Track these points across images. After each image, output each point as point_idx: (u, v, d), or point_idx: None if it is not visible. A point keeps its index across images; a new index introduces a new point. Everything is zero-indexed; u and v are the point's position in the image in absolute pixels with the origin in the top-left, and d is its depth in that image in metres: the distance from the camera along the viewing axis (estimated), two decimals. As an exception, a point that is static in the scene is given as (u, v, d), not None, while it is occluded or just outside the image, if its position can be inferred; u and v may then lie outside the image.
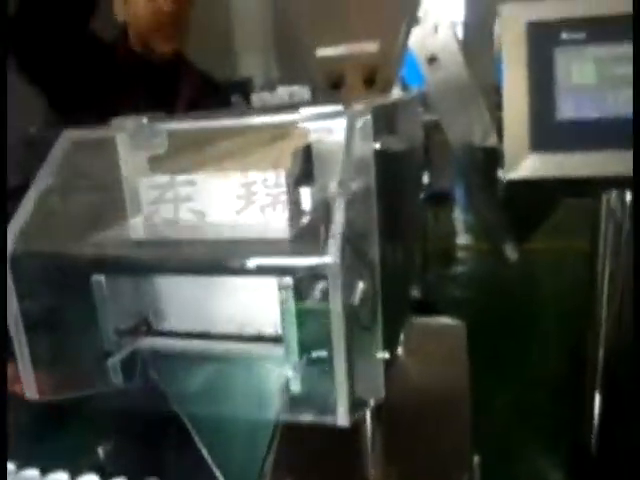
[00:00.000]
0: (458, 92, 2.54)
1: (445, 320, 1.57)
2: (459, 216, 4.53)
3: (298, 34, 1.11)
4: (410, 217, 1.23)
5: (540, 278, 3.22)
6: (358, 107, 0.56)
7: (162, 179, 0.57)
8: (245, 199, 0.54)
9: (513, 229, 2.75)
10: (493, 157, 2.55)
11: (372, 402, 0.62)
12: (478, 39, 2.46)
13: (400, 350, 0.95)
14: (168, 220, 0.56)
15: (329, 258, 0.42)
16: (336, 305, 0.44)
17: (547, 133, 0.70)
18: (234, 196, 0.55)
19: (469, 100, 2.55)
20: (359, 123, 0.53)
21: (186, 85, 1.30)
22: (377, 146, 0.57)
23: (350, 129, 0.51)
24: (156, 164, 0.60)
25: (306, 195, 0.56)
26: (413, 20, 1.16)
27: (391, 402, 0.65)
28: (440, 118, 2.11)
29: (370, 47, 1.06)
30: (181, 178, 0.56)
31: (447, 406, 1.12)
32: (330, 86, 1.16)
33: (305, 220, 0.55)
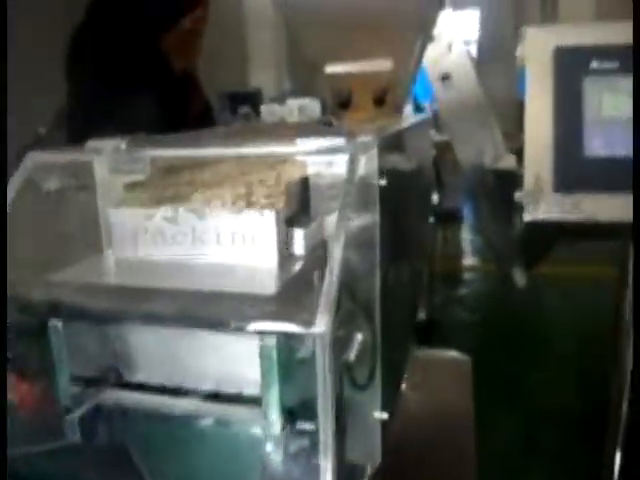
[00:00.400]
0: (470, 111, 2.47)
1: (451, 354, 1.50)
2: (467, 236, 4.45)
3: (309, 49, 1.05)
4: (418, 244, 1.16)
5: (550, 304, 3.12)
6: (363, 139, 0.49)
7: (137, 212, 0.50)
8: (231, 241, 0.48)
9: (522, 254, 2.68)
10: (504, 180, 2.48)
11: (369, 470, 0.55)
12: (492, 58, 2.41)
13: (404, 385, 0.88)
14: (142, 260, 0.50)
15: (317, 328, 0.35)
16: (323, 376, 0.37)
17: (573, 171, 0.63)
18: (219, 237, 0.48)
19: (481, 120, 2.49)
20: (363, 159, 0.46)
21: (193, 104, 1.24)
22: (383, 182, 0.50)
23: (352, 164, 0.45)
24: (133, 193, 0.53)
25: (300, 237, 0.49)
26: (427, 39, 1.09)
27: (394, 439, 0.59)
28: (451, 137, 2.05)
29: (382, 65, 1.00)
30: (159, 212, 0.49)
31: (451, 445, 1.06)
32: (338, 105, 1.10)
33: (298, 266, 0.48)
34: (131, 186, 0.54)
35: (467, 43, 2.47)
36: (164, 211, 0.49)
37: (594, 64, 0.64)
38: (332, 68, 1.06)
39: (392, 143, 0.58)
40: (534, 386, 2.30)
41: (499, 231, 2.60)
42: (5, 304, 0.44)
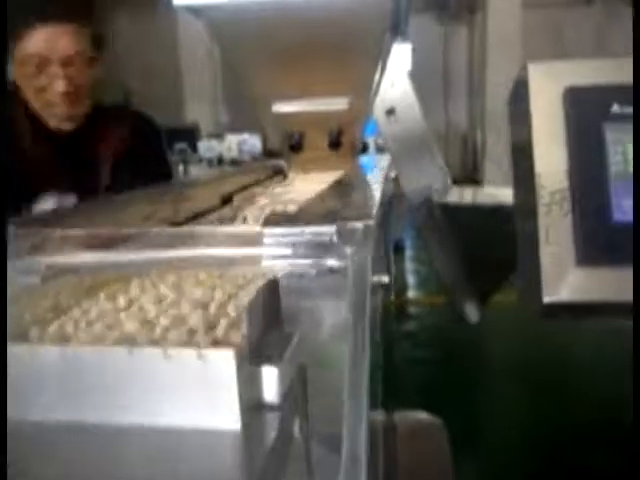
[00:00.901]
0: (416, 145, 2.40)
1: (421, 416, 1.35)
2: (410, 267, 4.39)
3: (251, 86, 0.90)
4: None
5: (504, 337, 3.07)
6: (354, 227, 0.33)
7: (20, 349, 0.32)
8: (167, 390, 0.31)
9: (475, 287, 2.61)
10: (452, 214, 2.41)
11: None
12: (428, 89, 2.37)
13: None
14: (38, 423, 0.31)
15: None
16: None
17: (598, 241, 0.51)
18: (148, 385, 0.31)
19: (427, 154, 2.42)
20: (353, 267, 0.31)
21: (107, 143, 1.05)
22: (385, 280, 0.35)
23: (360, 274, 0.29)
24: (22, 316, 0.35)
25: (271, 378, 0.32)
26: (383, 72, 0.96)
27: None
28: (397, 172, 1.95)
29: (338, 104, 0.86)
30: (55, 349, 0.31)
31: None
32: (289, 147, 0.95)
33: (266, 424, 0.31)
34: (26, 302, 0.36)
35: (409, 76, 2.42)
36: (62, 348, 0.31)
37: (615, 108, 0.52)
38: (280, 107, 0.91)
39: (380, 222, 0.44)
40: (498, 433, 2.20)
41: (449, 265, 2.52)
42: (5, 297, 0.35)
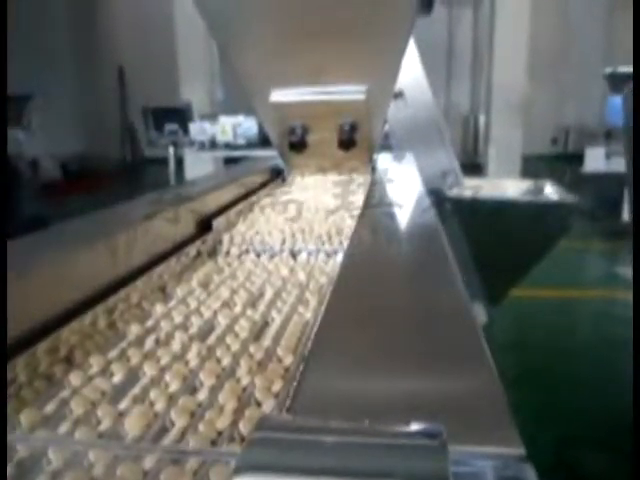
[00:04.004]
0: (426, 131, 2.23)
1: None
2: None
3: (242, 67, 0.72)
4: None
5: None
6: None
7: None
8: None
9: (484, 288, 2.45)
10: (463, 208, 2.23)
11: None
12: (430, 72, 2.19)
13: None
14: None
15: None
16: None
17: None
18: None
19: (438, 141, 2.24)
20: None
21: None
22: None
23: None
24: None
25: None
26: (402, 57, 0.78)
27: None
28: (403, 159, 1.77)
29: (354, 93, 0.69)
30: None
31: None
32: (289, 146, 0.77)
33: None
34: None
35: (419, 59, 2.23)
36: None
37: None
38: (280, 96, 0.73)
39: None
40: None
41: (458, 263, 2.36)
42: (5, 306, 0.33)
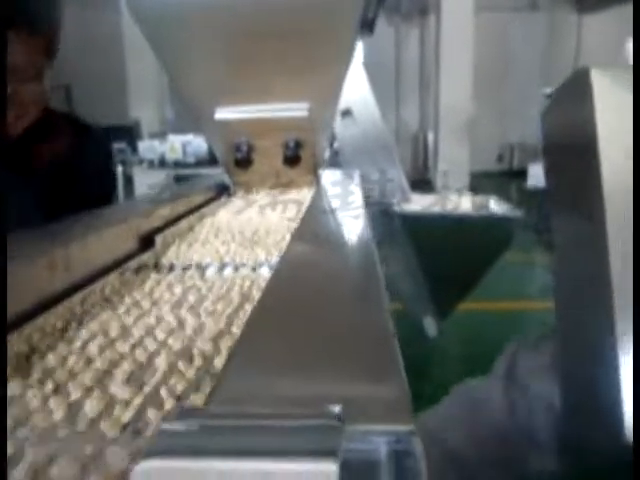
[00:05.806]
0: (374, 148, 2.27)
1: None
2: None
3: (186, 86, 0.73)
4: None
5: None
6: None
7: None
8: None
9: (434, 302, 2.50)
10: (412, 224, 2.28)
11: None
12: (379, 90, 2.25)
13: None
14: None
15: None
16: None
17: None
18: None
19: (385, 157, 2.29)
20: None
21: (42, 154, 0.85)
22: None
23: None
24: None
25: None
26: (344, 75, 0.80)
27: None
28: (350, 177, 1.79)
29: (297, 110, 0.70)
30: None
31: None
32: (235, 163, 0.78)
33: None
34: None
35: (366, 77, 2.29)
36: None
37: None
38: (225, 113, 0.74)
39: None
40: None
41: (408, 279, 2.40)
42: (5, 302, 0.33)
